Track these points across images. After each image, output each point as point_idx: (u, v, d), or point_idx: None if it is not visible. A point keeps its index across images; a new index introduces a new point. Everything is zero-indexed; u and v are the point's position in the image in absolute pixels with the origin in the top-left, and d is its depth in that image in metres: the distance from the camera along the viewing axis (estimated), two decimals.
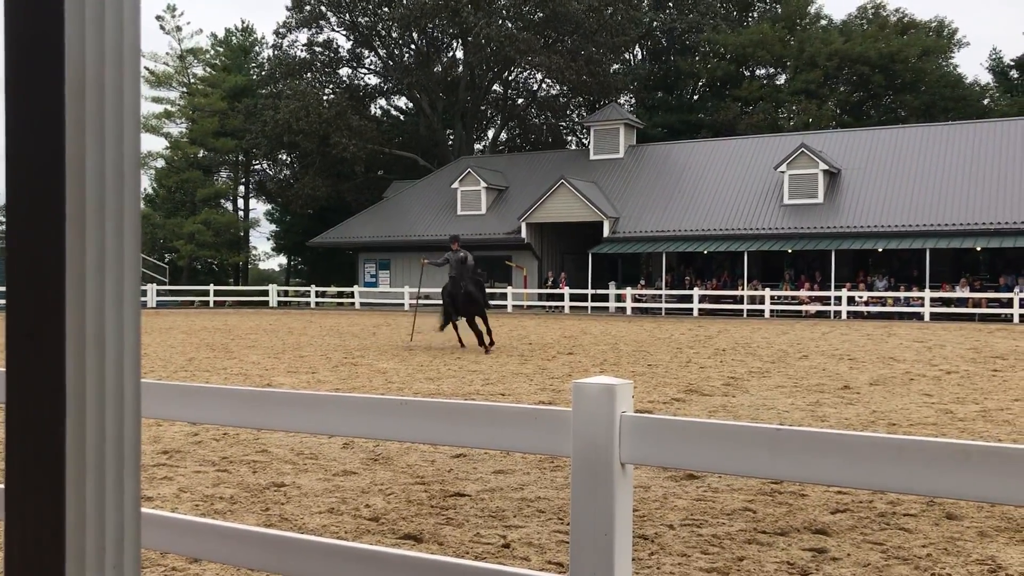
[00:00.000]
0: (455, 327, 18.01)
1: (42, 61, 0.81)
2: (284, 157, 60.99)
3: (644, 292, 38.32)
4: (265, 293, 47.23)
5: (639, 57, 61.10)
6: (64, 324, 0.79)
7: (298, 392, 3.18)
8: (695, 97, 60.88)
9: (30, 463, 0.81)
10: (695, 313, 35.57)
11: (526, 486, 6.32)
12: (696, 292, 36.22)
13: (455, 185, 44.31)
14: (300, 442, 7.91)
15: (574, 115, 59.99)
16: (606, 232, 38.91)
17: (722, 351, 17.94)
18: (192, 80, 60.76)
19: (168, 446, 7.77)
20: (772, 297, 35.12)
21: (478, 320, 17.42)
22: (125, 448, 0.84)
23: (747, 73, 57.91)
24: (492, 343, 17.57)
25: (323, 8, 55.81)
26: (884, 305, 34.22)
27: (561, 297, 38.65)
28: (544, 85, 58.30)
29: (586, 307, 38.07)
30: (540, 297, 40.34)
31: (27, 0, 0.81)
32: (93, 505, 0.81)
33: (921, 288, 33.80)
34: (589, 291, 37.99)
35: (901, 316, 33.31)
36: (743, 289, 36.27)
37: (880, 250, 35.04)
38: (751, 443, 2.51)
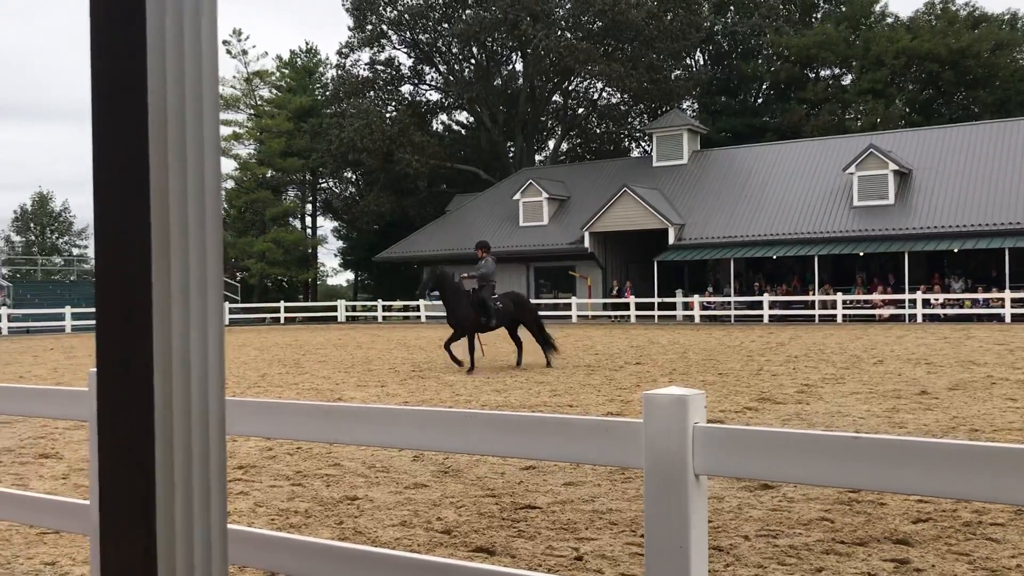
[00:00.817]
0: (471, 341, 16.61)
1: (126, 92, 0.83)
2: (349, 175, 61.96)
3: (712, 299, 37.86)
4: (334, 309, 47.95)
5: (701, 62, 60.57)
6: (152, 348, 0.81)
7: (370, 406, 3.22)
8: (759, 100, 60.09)
9: (122, 484, 0.83)
10: (765, 319, 35.02)
11: (597, 498, 6.29)
12: (766, 298, 35.66)
13: (517, 197, 44.44)
14: (371, 455, 7.99)
15: (636, 122, 59.70)
16: (671, 239, 38.58)
17: (794, 358, 17.62)
18: (259, 102, 62.12)
19: (243, 461, 7.92)
20: (844, 301, 34.40)
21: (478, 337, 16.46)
22: (211, 466, 0.86)
23: (812, 75, 56.95)
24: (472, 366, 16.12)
25: (384, 27, 56.60)
26: (961, 307, 33.24)
27: (627, 306, 38.40)
28: (604, 94, 58.19)
29: (653, 316, 37.77)
30: (605, 307, 40.15)
31: (111, 33, 0.84)
32: (182, 523, 0.83)
33: (1000, 289, 32.73)
34: (655, 300, 37.68)
35: (980, 318, 32.31)
36: (814, 294, 35.59)
37: (955, 250, 34.05)
38: (828, 452, 2.46)
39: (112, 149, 0.84)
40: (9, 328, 36.68)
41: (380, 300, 47.97)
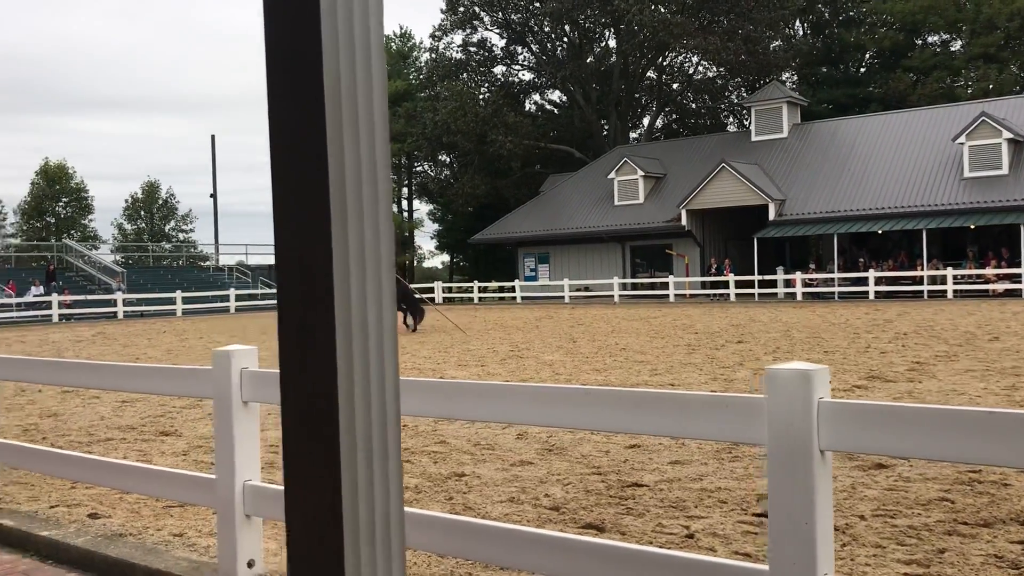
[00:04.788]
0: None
1: (302, 73, 0.86)
2: (444, 158, 62.51)
3: (815, 276, 36.90)
4: (431, 290, 48.57)
5: (800, 32, 58.80)
6: (334, 319, 0.84)
7: (488, 383, 3.25)
8: (862, 70, 58.04)
9: (306, 445, 0.86)
10: (871, 296, 33.95)
11: (705, 476, 6.23)
12: (871, 274, 34.55)
13: (611, 175, 44.11)
14: (476, 433, 8.09)
15: (733, 96, 58.43)
16: (772, 215, 37.73)
17: (903, 335, 17.05)
18: None
19: None
20: (955, 276, 33.05)
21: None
22: (388, 431, 0.89)
23: (918, 41, 54.68)
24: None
25: (476, 8, 56.73)
26: None
27: (726, 284, 37.76)
28: (700, 68, 57.10)
29: (753, 294, 37.05)
30: (703, 285, 39.58)
31: (285, 19, 0.87)
32: (364, 480, 0.86)
33: None
34: (755, 277, 36.94)
35: None
36: (922, 269, 34.33)
37: None
38: (962, 427, 2.38)
39: (289, 128, 0.87)
40: (124, 312, 38.38)
41: (476, 282, 48.38)
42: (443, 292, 48.13)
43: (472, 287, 47.21)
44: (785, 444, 2.56)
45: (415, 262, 69.46)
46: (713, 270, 39.35)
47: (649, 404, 2.87)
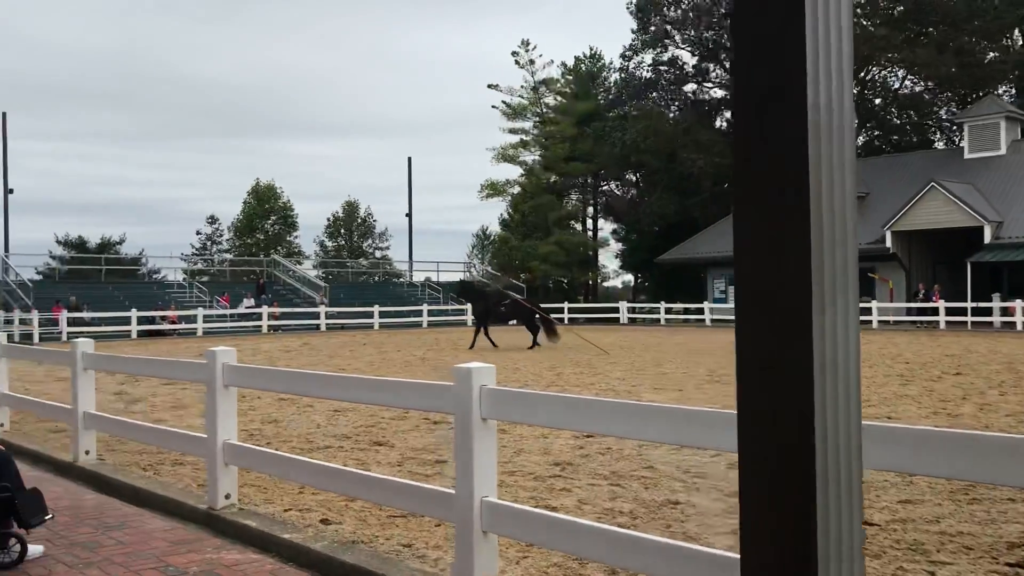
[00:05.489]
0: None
1: (783, 105, 0.83)
2: (630, 177, 62.28)
3: None
4: (615, 310, 48.42)
5: (1020, 42, 54.64)
6: (812, 357, 0.80)
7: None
8: None
9: (771, 499, 0.83)
10: None
11: (942, 519, 5.81)
12: None
13: None
14: (683, 459, 7.92)
15: (942, 112, 55.01)
16: (987, 238, 35.14)
17: None
18: (544, 110, 64.09)
19: (559, 458, 8.14)
20: None
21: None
22: (853, 478, 0.84)
23: None
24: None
25: (668, 27, 56.36)
26: None
27: (935, 311, 35.42)
28: (907, 82, 54.16)
29: (965, 322, 34.56)
30: (909, 312, 37.30)
31: (765, 48, 0.84)
32: (835, 537, 0.82)
33: None
34: (968, 304, 34.45)
35: None
36: None
37: None
38: None
39: (767, 158, 0.84)
40: (326, 324, 40.52)
41: (663, 302, 47.76)
42: (628, 312, 47.81)
43: (659, 308, 46.63)
44: None
45: (599, 281, 69.46)
46: (920, 296, 37.03)
47: (927, 442, 2.67)
